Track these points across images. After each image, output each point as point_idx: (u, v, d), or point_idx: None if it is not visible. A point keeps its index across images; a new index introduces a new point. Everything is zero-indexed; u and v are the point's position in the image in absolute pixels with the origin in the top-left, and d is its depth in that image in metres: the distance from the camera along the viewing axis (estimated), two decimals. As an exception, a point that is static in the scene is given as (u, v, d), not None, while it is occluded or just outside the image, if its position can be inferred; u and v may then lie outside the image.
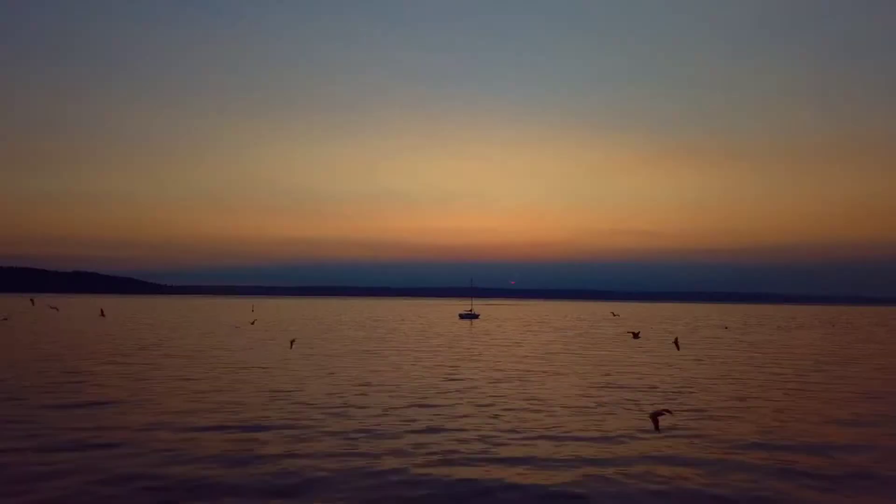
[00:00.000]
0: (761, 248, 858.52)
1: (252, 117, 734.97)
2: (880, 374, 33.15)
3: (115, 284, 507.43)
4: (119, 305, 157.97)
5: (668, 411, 14.28)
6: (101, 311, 54.12)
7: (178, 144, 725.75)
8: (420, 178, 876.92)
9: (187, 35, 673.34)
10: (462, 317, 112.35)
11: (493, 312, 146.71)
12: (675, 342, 31.91)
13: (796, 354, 44.07)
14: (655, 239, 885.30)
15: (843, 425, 19.06)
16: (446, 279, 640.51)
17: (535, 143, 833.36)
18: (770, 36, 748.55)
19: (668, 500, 12.01)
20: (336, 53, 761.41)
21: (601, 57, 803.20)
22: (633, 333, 31.49)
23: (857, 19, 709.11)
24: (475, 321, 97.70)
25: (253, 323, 70.57)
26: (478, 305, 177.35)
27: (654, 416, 14.03)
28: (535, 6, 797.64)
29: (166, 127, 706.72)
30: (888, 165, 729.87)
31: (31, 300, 58.30)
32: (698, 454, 15.17)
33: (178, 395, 22.66)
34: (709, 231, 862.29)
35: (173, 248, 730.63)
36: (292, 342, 35.63)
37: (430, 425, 18.00)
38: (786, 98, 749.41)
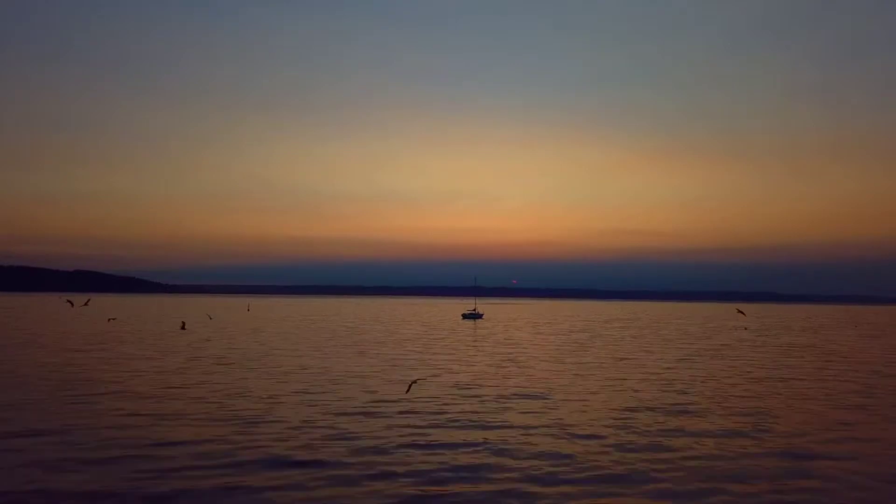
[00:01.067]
0: (763, 247, 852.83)
1: (253, 117, 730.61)
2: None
3: (116, 283, 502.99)
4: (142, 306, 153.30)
5: None
6: (182, 324, 49.45)
7: (179, 144, 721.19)
8: (422, 178, 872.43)
9: (188, 34, 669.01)
10: (465, 317, 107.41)
11: (496, 312, 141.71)
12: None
13: (860, 360, 39.04)
14: (656, 238, 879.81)
15: None
16: (449, 278, 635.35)
17: (537, 142, 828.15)
18: (771, 35, 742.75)
19: None
20: (338, 53, 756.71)
21: (602, 57, 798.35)
22: None
23: (858, 18, 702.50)
24: (479, 322, 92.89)
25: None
26: (481, 305, 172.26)
27: None
28: (537, 6, 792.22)
29: (167, 126, 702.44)
30: (890, 164, 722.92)
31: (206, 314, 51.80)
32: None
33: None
34: (710, 230, 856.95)
35: (174, 247, 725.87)
36: (411, 385, 24.28)
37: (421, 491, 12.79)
38: (787, 97, 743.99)
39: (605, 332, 69.15)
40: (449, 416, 19.82)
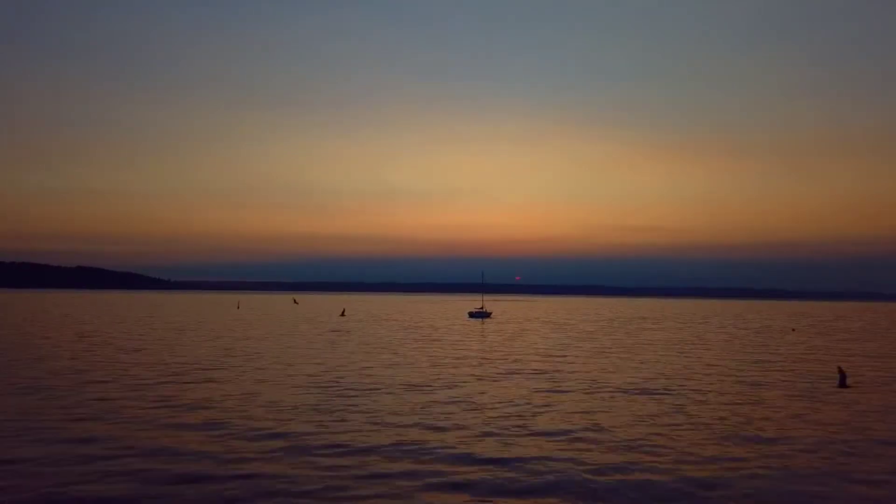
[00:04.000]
0: (767, 245, 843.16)
1: (256, 114, 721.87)
2: None
3: (118, 280, 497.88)
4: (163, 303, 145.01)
5: None
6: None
7: (182, 141, 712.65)
8: (426, 175, 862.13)
9: (193, 30, 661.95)
10: (472, 315, 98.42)
11: (503, 311, 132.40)
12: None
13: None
14: (659, 234, 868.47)
15: None
16: (454, 275, 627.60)
17: (540, 138, 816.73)
18: (772, 33, 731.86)
19: None
20: (341, 50, 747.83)
21: (606, 55, 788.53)
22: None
23: (858, 17, 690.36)
24: (487, 321, 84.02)
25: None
26: (487, 302, 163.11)
27: None
28: (541, 4, 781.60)
29: (171, 122, 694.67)
30: (890, 163, 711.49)
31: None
32: None
33: None
34: (711, 227, 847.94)
35: (177, 243, 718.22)
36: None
37: None
38: (788, 96, 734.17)
39: (639, 335, 59.92)
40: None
